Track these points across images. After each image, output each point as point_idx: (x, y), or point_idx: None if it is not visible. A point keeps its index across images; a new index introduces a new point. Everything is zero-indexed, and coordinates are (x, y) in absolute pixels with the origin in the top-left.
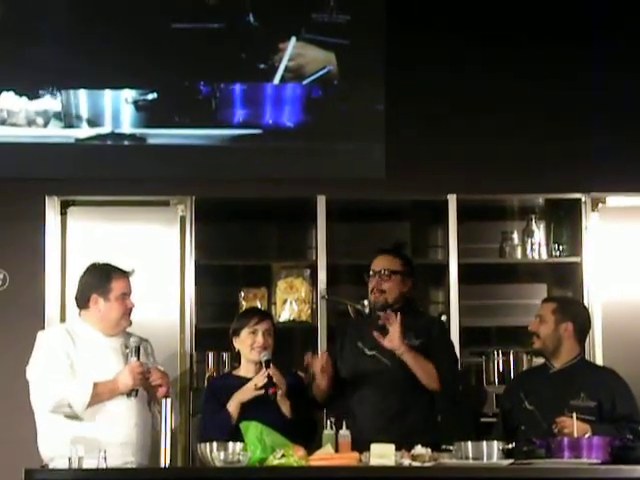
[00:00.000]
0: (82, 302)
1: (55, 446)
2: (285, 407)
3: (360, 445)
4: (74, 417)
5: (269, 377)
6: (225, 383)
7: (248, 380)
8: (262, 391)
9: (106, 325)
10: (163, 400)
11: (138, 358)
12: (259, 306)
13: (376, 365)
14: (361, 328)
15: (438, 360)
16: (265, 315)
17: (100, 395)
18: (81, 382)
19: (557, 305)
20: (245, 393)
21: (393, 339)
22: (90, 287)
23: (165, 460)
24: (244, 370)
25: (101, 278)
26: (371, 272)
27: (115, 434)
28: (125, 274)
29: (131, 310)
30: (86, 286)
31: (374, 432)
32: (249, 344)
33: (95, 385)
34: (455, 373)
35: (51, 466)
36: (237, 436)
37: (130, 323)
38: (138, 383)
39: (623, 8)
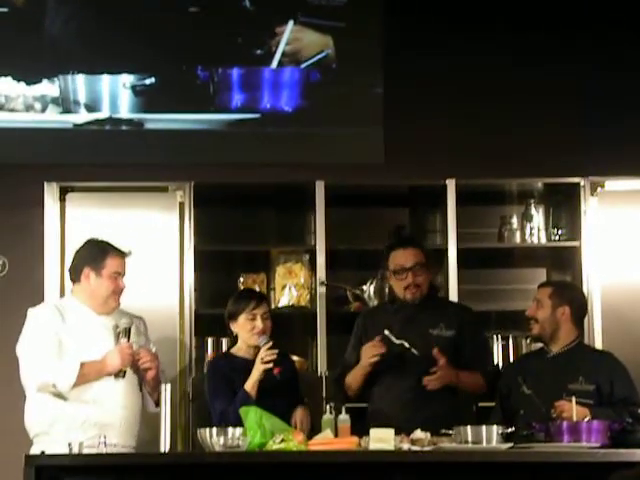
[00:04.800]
0: (75, 274)
1: (40, 424)
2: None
3: None
4: (60, 396)
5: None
6: (228, 363)
7: (251, 361)
8: (270, 365)
9: (95, 302)
10: (162, 385)
11: (128, 339)
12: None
13: (404, 354)
14: (387, 316)
15: (477, 359)
16: (262, 298)
17: (87, 375)
18: (68, 361)
19: (553, 289)
20: (256, 371)
21: (444, 378)
22: (84, 260)
23: (165, 445)
24: (243, 351)
25: (97, 253)
26: (397, 268)
27: (99, 415)
28: (122, 254)
29: (122, 291)
30: (81, 259)
31: (401, 420)
32: (248, 329)
33: (82, 365)
34: (494, 367)
35: (35, 443)
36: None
37: (119, 304)
38: (126, 364)
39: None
